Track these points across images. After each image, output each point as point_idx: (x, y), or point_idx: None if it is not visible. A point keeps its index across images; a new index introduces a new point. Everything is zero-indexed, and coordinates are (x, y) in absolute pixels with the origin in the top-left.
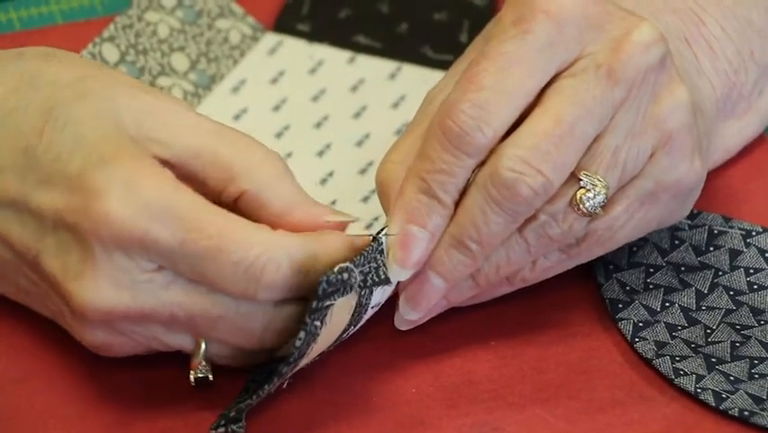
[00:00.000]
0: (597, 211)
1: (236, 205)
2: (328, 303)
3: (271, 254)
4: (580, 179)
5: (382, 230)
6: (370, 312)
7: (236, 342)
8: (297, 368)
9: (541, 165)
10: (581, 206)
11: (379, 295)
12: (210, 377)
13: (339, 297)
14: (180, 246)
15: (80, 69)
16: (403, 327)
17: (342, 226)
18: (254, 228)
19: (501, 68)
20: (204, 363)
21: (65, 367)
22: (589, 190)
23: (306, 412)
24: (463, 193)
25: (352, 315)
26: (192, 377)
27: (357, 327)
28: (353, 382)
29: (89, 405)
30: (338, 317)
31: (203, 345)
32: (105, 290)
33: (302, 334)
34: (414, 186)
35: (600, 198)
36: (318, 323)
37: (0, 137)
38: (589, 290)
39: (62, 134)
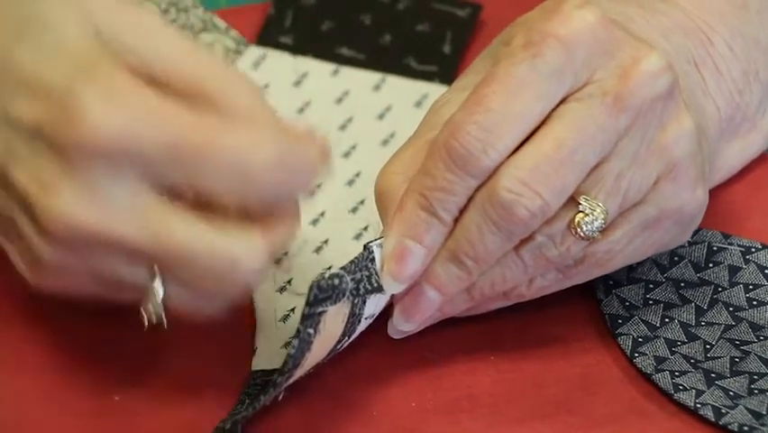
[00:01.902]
0: (595, 235)
1: None
2: (320, 310)
3: (261, 140)
4: (580, 204)
5: (373, 241)
6: (363, 323)
7: (200, 282)
8: (293, 379)
9: (539, 188)
10: (579, 230)
11: (373, 306)
12: (164, 321)
13: (331, 304)
14: (167, 148)
15: None
16: (396, 336)
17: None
18: (240, 119)
19: (510, 91)
20: (158, 302)
21: (63, 381)
22: (587, 215)
23: (304, 425)
24: (463, 209)
25: (346, 325)
26: (145, 318)
27: (351, 339)
28: (352, 395)
29: (87, 418)
30: (331, 326)
31: (159, 282)
32: (80, 204)
33: (295, 342)
34: (414, 201)
35: (599, 223)
36: (311, 330)
37: None
38: (589, 305)
39: (41, 43)
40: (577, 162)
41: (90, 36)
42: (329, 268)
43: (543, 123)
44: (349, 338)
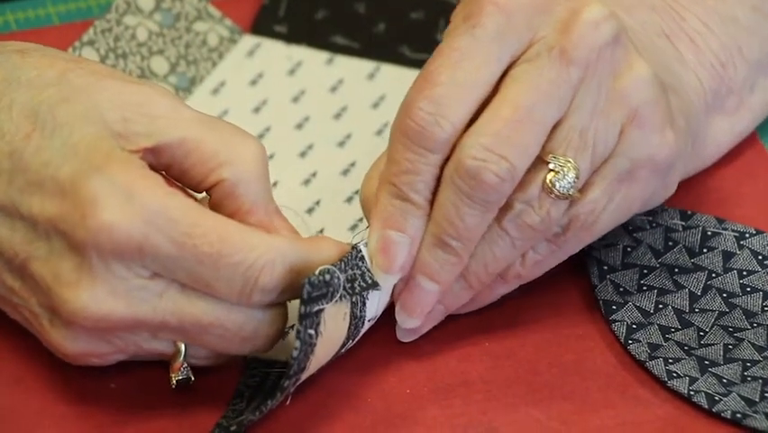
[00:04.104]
0: (570, 193)
1: (209, 191)
2: (317, 308)
3: (269, 257)
4: (549, 163)
5: (360, 241)
6: (366, 325)
7: (223, 347)
8: (299, 382)
9: (503, 150)
10: (553, 189)
11: (375, 308)
12: (191, 378)
13: (327, 302)
14: (179, 251)
15: (59, 63)
16: (405, 339)
17: None
18: (251, 231)
19: (454, 62)
20: (185, 365)
21: (60, 367)
22: (558, 172)
23: (299, 413)
24: (437, 191)
25: (349, 327)
26: (174, 379)
27: (354, 341)
28: (347, 383)
29: (84, 405)
30: (333, 328)
31: (183, 349)
32: (102, 298)
33: (297, 343)
34: (385, 192)
35: (570, 179)
36: (312, 331)
37: None
38: (583, 291)
39: (51, 140)
40: (536, 121)
41: (100, 130)
42: None
43: (497, 89)
44: (353, 341)
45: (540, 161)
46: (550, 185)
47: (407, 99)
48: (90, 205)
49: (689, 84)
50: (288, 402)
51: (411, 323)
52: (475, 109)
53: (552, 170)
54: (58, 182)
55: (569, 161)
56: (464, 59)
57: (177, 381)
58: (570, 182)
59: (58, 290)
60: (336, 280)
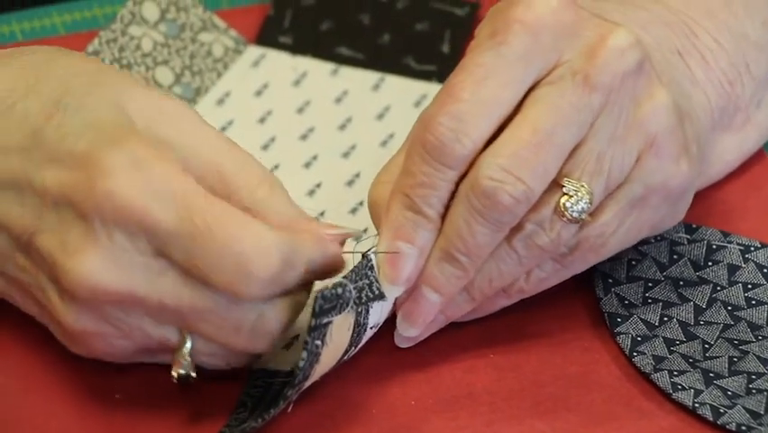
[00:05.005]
0: (582, 217)
1: None
2: (326, 321)
3: (263, 247)
4: (563, 186)
5: (370, 249)
6: (369, 333)
7: (223, 339)
8: (302, 390)
9: (520, 173)
10: (566, 212)
11: (377, 315)
12: (192, 374)
13: (336, 314)
14: (176, 228)
15: (92, 62)
16: (403, 345)
17: (342, 239)
18: (249, 220)
19: (478, 79)
20: (188, 359)
21: (67, 375)
22: (572, 196)
23: (304, 424)
24: (450, 206)
25: (352, 335)
26: (174, 373)
27: (357, 349)
28: (352, 394)
29: (91, 411)
30: (338, 336)
31: (188, 340)
32: (102, 267)
33: (304, 354)
34: (398, 202)
35: (584, 204)
36: (319, 342)
37: (9, 122)
38: (588, 303)
39: (73, 118)
40: (555, 145)
41: (121, 118)
42: None
43: (518, 109)
44: (355, 348)
45: (554, 184)
46: (563, 208)
47: (429, 112)
48: (100, 172)
49: (698, 103)
50: (289, 410)
51: (412, 332)
52: (496, 128)
53: (565, 194)
54: (73, 153)
55: (583, 186)
56: (489, 76)
57: (178, 374)
58: (583, 207)
59: (62, 261)
60: (348, 294)
